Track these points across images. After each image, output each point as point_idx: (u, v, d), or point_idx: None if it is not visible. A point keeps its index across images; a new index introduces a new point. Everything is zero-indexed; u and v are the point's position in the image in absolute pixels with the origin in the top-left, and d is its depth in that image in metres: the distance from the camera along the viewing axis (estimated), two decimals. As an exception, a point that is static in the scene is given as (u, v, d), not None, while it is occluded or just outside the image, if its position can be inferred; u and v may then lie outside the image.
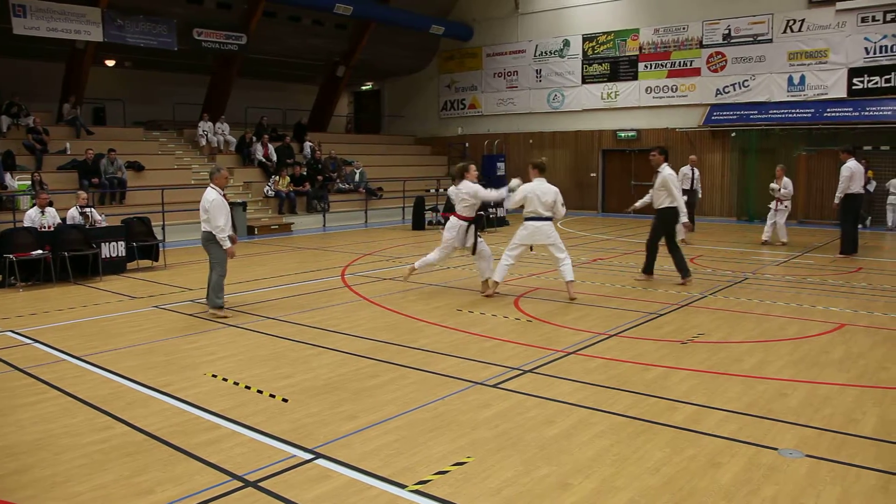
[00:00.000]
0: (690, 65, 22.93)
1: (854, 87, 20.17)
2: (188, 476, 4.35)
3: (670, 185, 10.62)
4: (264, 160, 22.01)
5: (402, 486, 4.16)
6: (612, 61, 24.65)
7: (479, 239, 10.18)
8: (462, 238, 10.16)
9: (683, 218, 10.77)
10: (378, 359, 6.90)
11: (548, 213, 9.66)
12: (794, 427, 5.02)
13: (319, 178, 22.20)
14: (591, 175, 25.57)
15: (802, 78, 20.94)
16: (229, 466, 4.47)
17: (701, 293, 10.06)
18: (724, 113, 22.29)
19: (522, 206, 9.86)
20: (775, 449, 4.63)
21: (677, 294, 10.03)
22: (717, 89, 22.44)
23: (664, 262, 11.16)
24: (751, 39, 21.71)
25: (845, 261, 13.22)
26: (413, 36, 27.30)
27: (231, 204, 18.65)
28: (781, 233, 15.73)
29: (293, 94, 29.73)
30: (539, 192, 9.62)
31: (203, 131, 22.29)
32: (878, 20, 19.64)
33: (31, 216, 12.15)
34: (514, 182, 10.31)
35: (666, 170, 10.79)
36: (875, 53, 19.76)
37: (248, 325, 8.43)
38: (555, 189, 9.76)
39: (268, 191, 20.90)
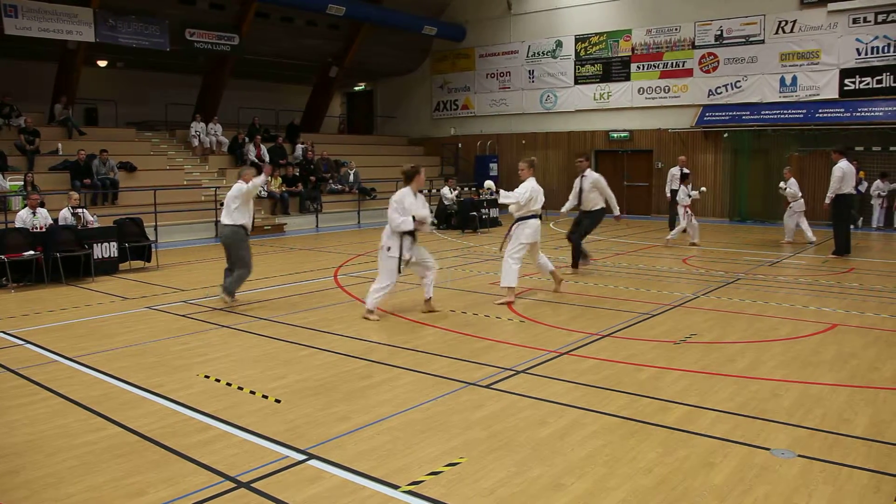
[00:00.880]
0: (683, 66, 22.99)
1: (846, 88, 20.26)
2: (181, 477, 4.33)
3: (604, 185, 11.67)
4: (257, 161, 21.95)
5: (395, 487, 4.16)
6: (604, 62, 24.70)
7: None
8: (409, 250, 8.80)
9: (616, 211, 11.91)
10: (371, 359, 6.90)
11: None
12: (786, 427, 5.04)
13: (312, 178, 22.18)
14: (584, 176, 25.56)
15: (794, 79, 21.02)
16: (222, 467, 4.45)
17: (694, 293, 10.08)
18: (717, 114, 22.35)
19: (504, 205, 9.97)
20: (768, 449, 4.65)
21: (670, 295, 10.04)
22: (710, 90, 22.51)
23: (659, 262, 11.18)
24: (743, 40, 21.78)
25: (838, 261, 13.27)
26: (406, 36, 27.30)
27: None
28: (807, 233, 15.99)
29: (286, 95, 29.69)
30: (539, 189, 9.84)
31: (195, 132, 22.24)
32: (870, 21, 19.74)
33: (23, 217, 12.10)
34: (489, 183, 10.62)
35: (592, 174, 11.59)
36: (866, 54, 19.85)
37: (241, 326, 8.41)
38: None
39: (261, 192, 20.84)
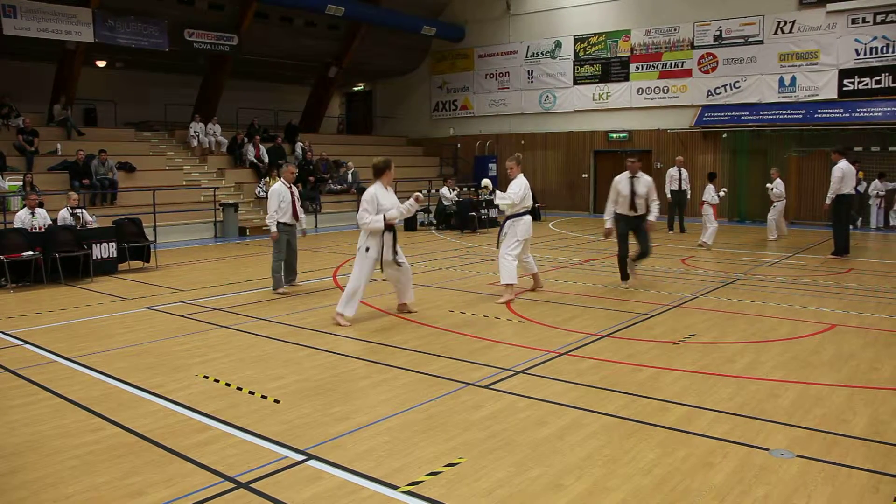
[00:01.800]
0: (682, 66, 23.00)
1: (844, 89, 20.28)
2: (180, 477, 4.33)
3: (654, 188, 10.92)
4: (256, 161, 21.97)
5: (394, 487, 4.16)
6: (603, 62, 24.71)
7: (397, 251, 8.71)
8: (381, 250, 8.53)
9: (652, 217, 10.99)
10: (370, 360, 6.90)
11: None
12: (785, 427, 5.04)
13: (311, 178, 22.17)
14: (583, 176, 25.61)
15: (793, 79, 21.03)
16: (221, 468, 4.45)
17: (693, 294, 10.09)
18: (716, 114, 22.36)
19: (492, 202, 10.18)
20: (767, 449, 4.65)
21: (669, 295, 10.05)
22: (709, 90, 22.52)
23: (657, 262, 11.17)
24: (742, 41, 21.80)
25: (836, 261, 13.27)
26: (405, 37, 27.30)
27: (223, 205, 18.80)
28: (781, 226, 16.53)
29: (285, 95, 29.69)
30: (528, 185, 10.02)
31: (194, 132, 22.25)
32: (869, 21, 19.76)
33: (21, 217, 12.09)
34: (486, 182, 10.76)
35: (646, 176, 10.72)
36: (865, 55, 19.87)
37: (240, 326, 8.41)
38: None
39: (259, 192, 20.86)
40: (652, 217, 10.46)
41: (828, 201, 13.90)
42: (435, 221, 20.85)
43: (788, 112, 21.10)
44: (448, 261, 13.68)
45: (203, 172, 21.43)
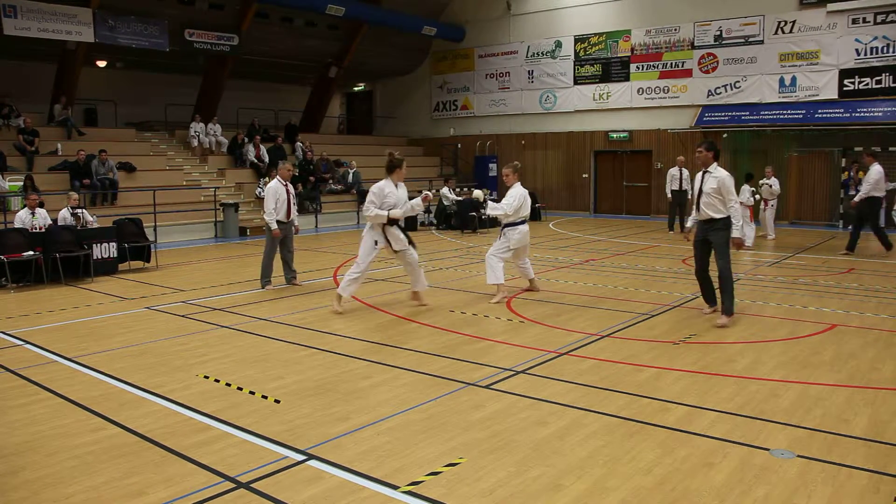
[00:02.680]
0: (682, 66, 23.00)
1: (845, 89, 20.27)
2: (180, 477, 4.33)
3: (731, 187, 10.46)
4: (256, 161, 21.97)
5: (395, 487, 4.16)
6: (603, 62, 24.70)
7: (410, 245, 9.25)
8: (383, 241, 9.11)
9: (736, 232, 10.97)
10: (370, 360, 6.90)
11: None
12: (785, 427, 5.04)
13: (311, 178, 22.18)
14: (583, 176, 25.61)
15: (794, 79, 21.02)
16: (221, 468, 4.45)
17: (693, 294, 10.07)
18: (716, 114, 22.36)
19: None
20: (767, 449, 4.65)
21: (669, 295, 10.05)
22: (709, 90, 22.52)
23: (658, 262, 11.17)
24: (742, 41, 21.79)
25: (848, 258, 13.52)
26: (405, 37, 27.30)
27: (223, 205, 18.80)
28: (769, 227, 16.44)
29: (285, 95, 29.70)
30: (525, 195, 10.00)
31: (195, 132, 22.25)
32: (869, 21, 19.75)
33: (22, 217, 12.10)
34: (478, 193, 10.77)
35: (721, 171, 10.06)
36: (866, 55, 19.86)
37: (240, 327, 8.41)
38: None
39: (259, 192, 20.85)
40: (736, 232, 8.36)
41: (857, 199, 14.02)
42: (435, 221, 20.86)
43: (789, 112, 21.09)
44: (448, 261, 13.69)
45: (203, 172, 21.44)
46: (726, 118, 22.12)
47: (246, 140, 22.37)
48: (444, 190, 20.55)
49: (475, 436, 4.93)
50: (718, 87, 22.37)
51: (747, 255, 14.26)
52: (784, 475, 4.27)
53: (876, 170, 13.82)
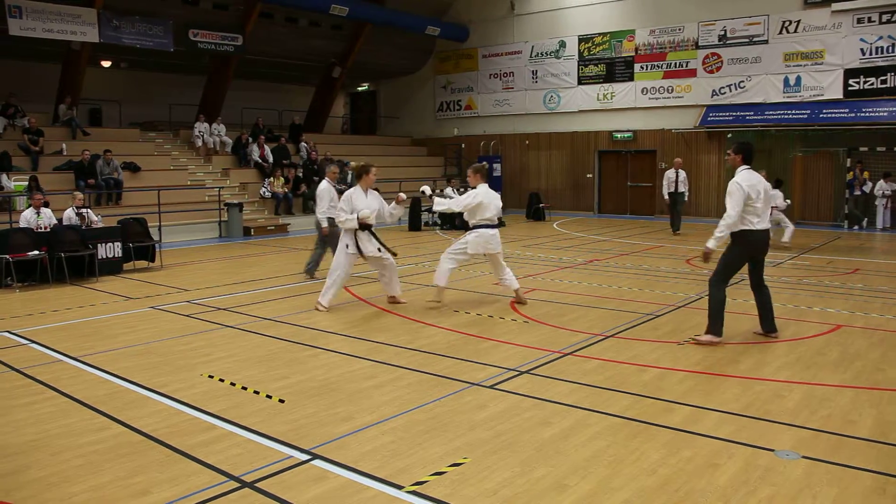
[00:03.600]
0: (686, 66, 22.97)
1: (850, 88, 20.22)
2: (185, 477, 4.34)
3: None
4: (260, 161, 21.99)
5: (399, 487, 4.16)
6: (607, 62, 24.68)
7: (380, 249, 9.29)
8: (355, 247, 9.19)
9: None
10: (374, 360, 6.90)
11: (496, 220, 9.36)
12: (790, 428, 5.03)
13: (316, 178, 22.18)
14: (588, 176, 25.60)
15: (798, 79, 20.99)
16: (226, 467, 4.46)
17: (697, 294, 10.07)
18: (720, 114, 22.33)
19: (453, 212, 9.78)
20: (772, 450, 4.64)
21: (673, 295, 10.04)
22: (713, 90, 22.49)
23: (662, 262, 11.15)
24: (746, 40, 21.76)
25: None
26: (409, 37, 27.31)
27: (227, 205, 18.82)
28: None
29: (289, 95, 29.73)
30: (492, 197, 9.30)
31: (199, 132, 22.28)
32: (874, 21, 19.70)
33: (27, 217, 12.13)
34: (426, 188, 9.94)
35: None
36: (871, 54, 19.82)
37: (245, 326, 8.42)
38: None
39: (264, 192, 20.89)
40: (709, 242, 7.41)
41: None
42: (439, 221, 20.85)
43: (793, 112, 21.05)
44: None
45: (207, 172, 21.46)
46: (730, 118, 22.09)
47: (250, 140, 22.39)
48: (448, 190, 20.52)
49: (479, 436, 4.93)
50: (723, 87, 22.34)
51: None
52: (789, 476, 4.27)
53: None
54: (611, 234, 18.08)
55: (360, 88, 33.27)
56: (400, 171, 25.21)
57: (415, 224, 20.35)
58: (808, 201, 21.02)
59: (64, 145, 18.87)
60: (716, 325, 7.25)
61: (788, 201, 15.78)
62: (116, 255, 12.58)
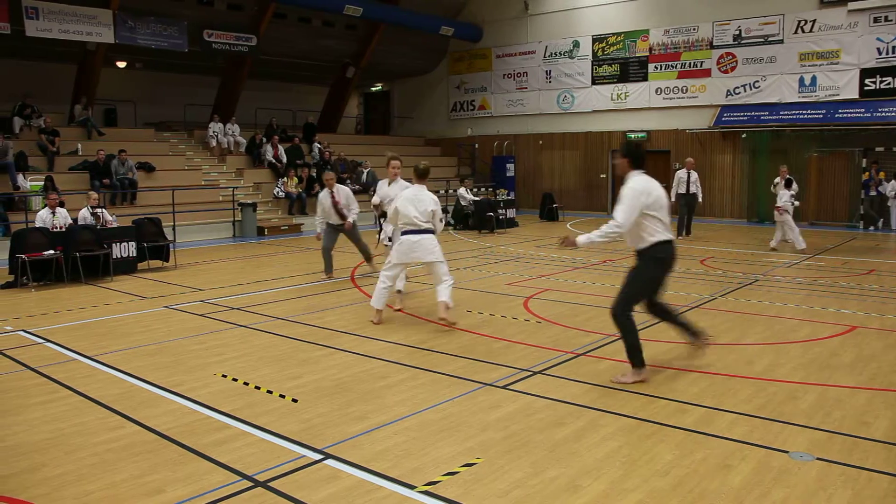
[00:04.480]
0: (701, 66, 22.86)
1: (866, 88, 20.05)
2: (198, 476, 4.36)
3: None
4: (274, 161, 22.06)
5: (412, 487, 4.16)
6: (621, 62, 24.60)
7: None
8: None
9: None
10: (387, 360, 6.91)
11: (427, 225, 8.27)
12: (805, 430, 5.00)
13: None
14: (601, 176, 25.52)
15: (814, 79, 20.84)
16: (239, 466, 4.48)
17: (711, 295, 10.03)
18: (735, 114, 22.21)
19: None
20: (786, 452, 4.61)
21: (687, 296, 9.99)
22: (728, 90, 22.36)
23: (676, 263, 11.06)
24: (761, 40, 21.63)
25: None
26: (422, 37, 27.32)
27: (241, 205, 18.89)
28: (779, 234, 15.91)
29: (303, 96, 29.79)
30: (416, 200, 8.27)
31: (213, 132, 22.37)
32: (891, 20, 19.52)
33: (43, 217, 12.21)
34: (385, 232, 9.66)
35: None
36: (887, 54, 19.64)
37: (258, 326, 8.45)
38: (433, 197, 8.40)
39: (277, 192, 20.95)
40: (580, 237, 6.50)
41: None
42: (452, 222, 20.84)
43: (809, 112, 20.90)
44: (465, 261, 13.68)
45: (222, 172, 21.55)
46: (745, 118, 21.97)
47: (264, 140, 22.46)
48: (462, 190, 20.53)
49: (492, 436, 4.93)
50: (737, 87, 22.21)
51: (766, 256, 14.15)
52: (803, 478, 4.24)
53: None
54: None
55: (373, 88, 33.32)
56: (413, 171, 25.15)
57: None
58: (823, 202, 20.86)
59: (79, 145, 18.99)
60: (637, 357, 6.14)
61: (797, 202, 15.50)
62: (131, 255, 12.65)
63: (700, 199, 18.06)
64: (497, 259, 14.00)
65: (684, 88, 23.28)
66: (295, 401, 5.72)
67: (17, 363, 6.97)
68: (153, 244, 13.10)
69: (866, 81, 20.05)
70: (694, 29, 22.93)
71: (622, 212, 6.04)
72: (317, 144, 23.91)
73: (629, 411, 5.38)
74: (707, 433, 4.94)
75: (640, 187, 6.05)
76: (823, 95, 20.70)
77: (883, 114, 19.63)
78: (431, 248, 8.19)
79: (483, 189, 23.88)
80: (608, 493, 4.08)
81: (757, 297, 9.95)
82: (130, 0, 19.38)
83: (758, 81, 21.80)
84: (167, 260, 13.35)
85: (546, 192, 24.47)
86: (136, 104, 24.18)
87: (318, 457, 4.62)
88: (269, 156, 22.08)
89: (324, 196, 11.36)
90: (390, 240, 9.20)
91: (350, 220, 11.29)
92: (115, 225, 12.94)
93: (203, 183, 20.14)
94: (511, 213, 20.73)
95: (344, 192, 11.41)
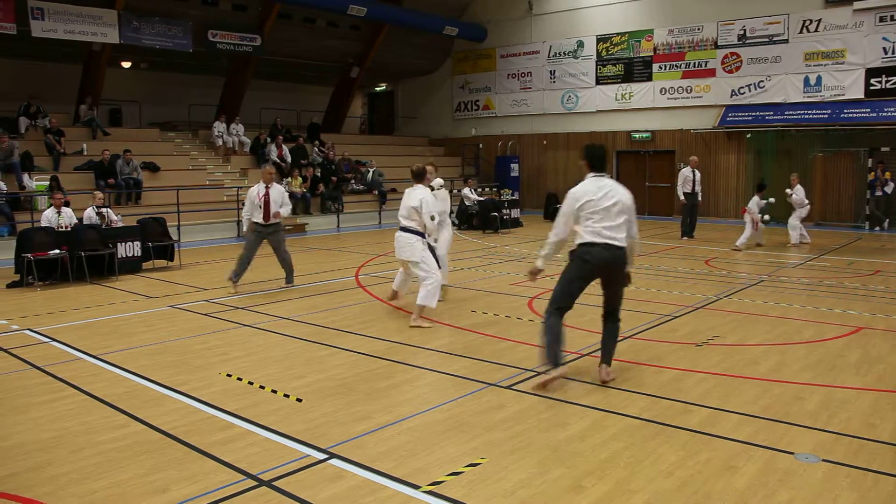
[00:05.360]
0: (705, 65, 22.82)
1: (872, 88, 19.98)
2: (203, 475, 4.36)
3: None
4: (278, 161, 22.07)
5: (416, 487, 4.16)
6: (626, 62, 24.57)
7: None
8: None
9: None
10: (392, 359, 6.91)
11: (407, 223, 8.36)
12: (810, 431, 4.99)
13: (333, 179, 22.25)
14: (605, 176, 25.43)
15: (819, 78, 20.78)
16: (244, 465, 4.48)
17: (716, 295, 10.01)
18: (740, 114, 22.16)
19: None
20: (791, 453, 4.60)
21: (692, 297, 9.98)
22: (733, 90, 22.31)
23: (681, 263, 11.07)
24: (766, 40, 21.58)
25: None
26: (427, 37, 27.33)
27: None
28: (794, 235, 15.87)
29: (307, 95, 29.82)
30: (406, 197, 8.45)
31: (218, 132, 22.39)
32: (897, 20, 19.47)
33: (48, 216, 12.24)
34: (437, 182, 9.66)
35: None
36: (893, 53, 19.56)
37: (262, 325, 8.46)
38: (423, 196, 8.32)
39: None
40: (538, 261, 6.46)
41: None
42: (457, 222, 20.83)
43: (814, 112, 20.84)
44: (470, 261, 13.68)
45: (226, 172, 21.58)
46: (750, 118, 21.92)
47: (268, 140, 22.48)
48: (466, 190, 20.52)
49: (496, 436, 4.92)
50: (742, 87, 22.16)
51: (771, 256, 14.13)
52: (808, 479, 4.23)
53: None
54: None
55: (377, 88, 33.34)
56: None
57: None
58: (828, 202, 20.80)
59: (84, 145, 19.03)
60: (552, 353, 5.96)
61: (770, 200, 15.66)
62: (136, 255, 12.67)
63: (700, 198, 18.05)
64: (501, 259, 14.00)
65: (689, 88, 23.24)
66: (299, 400, 5.72)
67: (22, 362, 6.98)
68: (158, 244, 13.12)
69: (872, 81, 19.98)
70: (698, 29, 22.89)
71: (557, 220, 6.23)
72: (316, 149, 23.83)
73: (634, 412, 5.37)
74: (712, 434, 4.93)
75: (575, 193, 6.10)
76: (829, 95, 20.64)
77: (889, 113, 19.56)
78: (404, 246, 8.36)
79: (487, 189, 23.88)
80: (612, 493, 4.08)
81: (762, 297, 9.93)
82: (135, 0, 19.41)
83: (763, 81, 21.75)
84: (172, 259, 13.37)
85: (550, 192, 24.45)
86: (141, 104, 24.22)
87: (322, 456, 4.62)
88: (274, 156, 22.08)
89: (254, 190, 10.78)
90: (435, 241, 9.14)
91: (282, 212, 10.73)
92: (120, 224, 12.95)
93: (207, 183, 20.15)
94: (515, 213, 20.72)
95: (279, 191, 10.90)
